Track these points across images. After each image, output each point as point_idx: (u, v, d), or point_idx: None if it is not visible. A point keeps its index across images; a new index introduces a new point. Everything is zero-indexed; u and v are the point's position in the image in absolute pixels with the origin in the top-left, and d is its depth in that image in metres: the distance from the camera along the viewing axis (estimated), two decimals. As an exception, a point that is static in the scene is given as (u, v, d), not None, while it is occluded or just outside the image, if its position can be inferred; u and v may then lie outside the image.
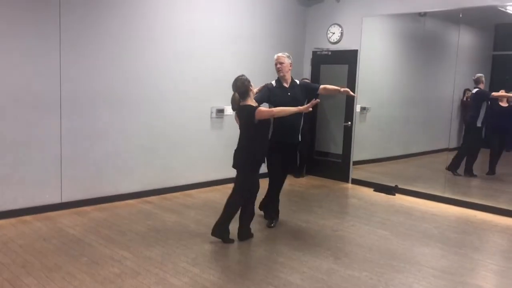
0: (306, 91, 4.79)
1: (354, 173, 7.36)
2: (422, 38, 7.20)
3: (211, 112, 6.58)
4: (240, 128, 4.39)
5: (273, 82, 4.78)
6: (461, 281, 3.70)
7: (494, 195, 6.35)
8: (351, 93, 4.84)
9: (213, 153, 6.64)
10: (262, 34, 7.04)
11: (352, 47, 7.20)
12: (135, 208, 5.43)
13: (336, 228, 4.98)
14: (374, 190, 6.87)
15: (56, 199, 5.19)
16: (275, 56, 4.76)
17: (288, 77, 4.73)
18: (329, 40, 7.50)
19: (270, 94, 4.68)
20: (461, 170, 6.79)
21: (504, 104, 6.62)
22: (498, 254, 4.41)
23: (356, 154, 7.37)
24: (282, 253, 4.15)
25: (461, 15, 6.26)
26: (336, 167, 7.55)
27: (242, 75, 4.30)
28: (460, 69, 6.96)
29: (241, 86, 4.23)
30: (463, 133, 7.07)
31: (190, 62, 6.21)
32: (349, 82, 7.22)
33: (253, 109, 4.19)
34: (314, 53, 7.67)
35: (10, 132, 4.77)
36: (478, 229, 5.16)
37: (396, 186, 6.81)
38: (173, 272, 3.66)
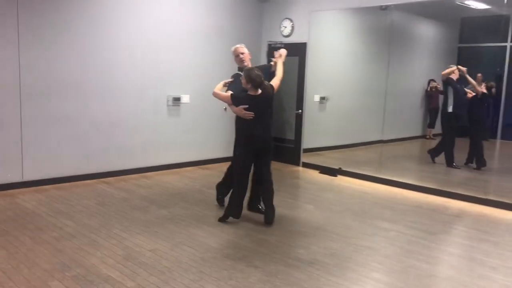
0: (265, 73, 4.87)
1: (309, 158, 7.90)
2: (384, 31, 7.29)
3: (168, 100, 7.11)
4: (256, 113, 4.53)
5: (239, 72, 4.93)
6: (353, 243, 4.27)
7: (432, 177, 6.86)
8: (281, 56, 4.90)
9: (171, 138, 7.19)
10: (220, 27, 7.59)
11: (302, 40, 7.73)
12: (91, 187, 5.99)
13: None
14: (320, 172, 7.43)
15: (17, 178, 5.75)
16: (233, 48, 5.00)
17: (250, 65, 4.93)
18: (282, 34, 8.03)
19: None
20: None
21: (476, 92, 6.61)
22: (399, 222, 4.96)
23: (315, 141, 7.90)
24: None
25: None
26: (288, 152, 8.11)
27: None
28: (426, 61, 7.40)
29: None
30: (428, 122, 7.47)
31: (147, 54, 6.75)
32: (299, 73, 7.77)
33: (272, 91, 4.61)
34: (269, 45, 8.21)
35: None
36: (396, 203, 5.73)
37: (339, 168, 7.36)
38: (105, 236, 4.23)
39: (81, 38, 6.08)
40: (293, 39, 7.89)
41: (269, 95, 4.61)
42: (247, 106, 4.53)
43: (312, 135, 7.97)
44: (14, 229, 4.33)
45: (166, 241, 4.17)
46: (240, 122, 4.70)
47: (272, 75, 4.93)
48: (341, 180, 7.03)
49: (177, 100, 7.21)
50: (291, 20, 7.89)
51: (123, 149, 6.69)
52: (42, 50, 5.76)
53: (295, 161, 8.02)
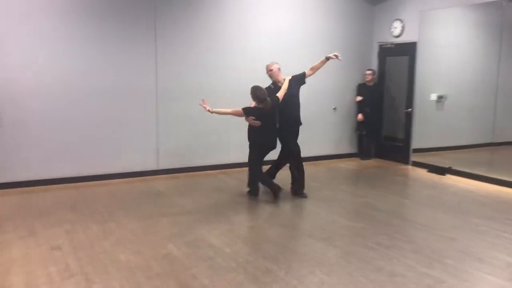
0: (298, 82, 5.73)
1: (421, 157, 7.86)
2: (497, 26, 7.01)
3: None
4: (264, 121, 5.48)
5: (271, 85, 5.74)
6: (436, 234, 4.47)
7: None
8: (337, 57, 5.56)
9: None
10: (333, 30, 8.09)
11: (412, 39, 7.83)
12: (212, 177, 6.93)
13: (364, 195, 5.91)
14: (428, 171, 7.46)
15: (153, 166, 6.93)
16: (266, 66, 5.74)
17: (280, 78, 5.71)
18: (392, 34, 8.21)
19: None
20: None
21: None
22: (494, 219, 4.93)
23: (430, 140, 7.88)
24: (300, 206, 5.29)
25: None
26: (397, 151, 8.24)
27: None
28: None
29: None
30: None
31: (263, 60, 7.52)
32: (409, 72, 7.89)
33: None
34: (380, 46, 8.44)
35: (119, 114, 6.58)
36: (499, 202, 5.62)
37: (449, 167, 7.31)
38: (215, 213, 5.04)
39: (205, 52, 7.07)
40: (403, 39, 8.02)
41: (273, 107, 5.45)
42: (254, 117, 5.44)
43: (426, 134, 7.96)
44: (145, 204, 5.38)
45: (264, 220, 4.84)
46: (250, 129, 5.60)
47: (303, 83, 5.73)
48: (449, 179, 7.01)
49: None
50: (401, 21, 8.03)
51: (238, 144, 7.52)
52: (174, 61, 6.86)
53: (404, 159, 8.11)
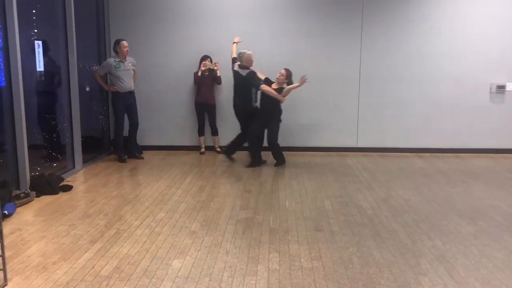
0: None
1: None
2: None
3: (490, 88, 7.58)
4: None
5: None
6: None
7: None
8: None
9: (490, 124, 7.65)
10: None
11: None
12: (406, 159, 7.41)
13: None
14: None
15: (352, 144, 7.84)
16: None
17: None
18: None
19: None
20: None
21: None
22: None
23: None
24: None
25: None
26: None
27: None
28: None
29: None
30: None
31: (468, 44, 7.49)
32: None
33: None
34: None
35: (324, 97, 7.71)
36: None
37: None
38: (381, 186, 5.70)
39: (407, 39, 7.52)
40: None
41: None
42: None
43: None
44: (329, 173, 6.39)
45: (420, 196, 5.26)
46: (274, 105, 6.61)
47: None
48: None
49: (501, 88, 7.54)
50: None
51: (438, 130, 7.70)
52: (377, 49, 7.57)
53: None
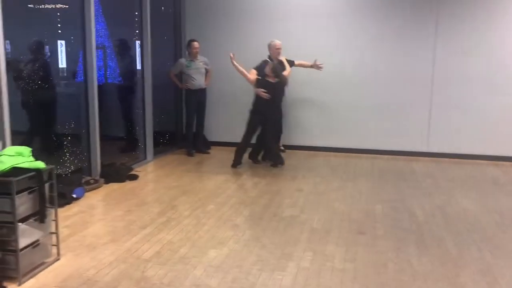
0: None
1: None
2: None
3: None
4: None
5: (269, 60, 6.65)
6: None
7: None
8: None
9: None
10: None
11: None
12: (478, 168, 6.97)
13: None
14: None
15: (423, 148, 7.51)
16: (274, 43, 6.72)
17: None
18: None
19: None
20: None
21: None
22: None
23: None
24: None
25: None
26: None
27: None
28: None
29: None
30: None
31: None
32: None
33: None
34: None
35: (392, 98, 7.47)
36: None
37: None
38: (437, 193, 5.45)
39: (486, 38, 7.04)
40: None
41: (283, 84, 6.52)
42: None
43: None
44: (389, 177, 6.20)
45: (484, 206, 4.94)
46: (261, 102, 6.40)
47: None
48: None
49: None
50: None
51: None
52: (452, 50, 7.18)
53: None
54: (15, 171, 3.10)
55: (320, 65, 7.01)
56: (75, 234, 4.04)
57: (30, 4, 5.41)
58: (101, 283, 3.19)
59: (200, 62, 7.49)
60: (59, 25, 5.55)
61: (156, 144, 7.28)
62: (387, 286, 3.20)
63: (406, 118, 7.48)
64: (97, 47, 6.13)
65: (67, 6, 5.60)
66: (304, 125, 7.84)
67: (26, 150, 3.33)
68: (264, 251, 3.75)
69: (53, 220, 3.48)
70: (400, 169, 6.70)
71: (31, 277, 3.22)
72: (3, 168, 3.08)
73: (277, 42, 6.73)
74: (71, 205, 4.84)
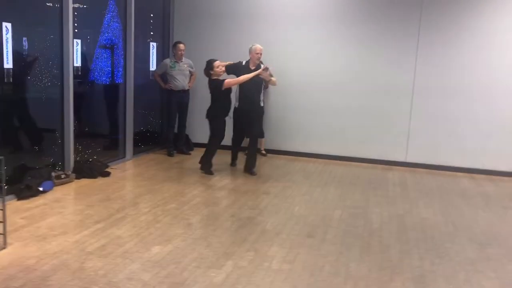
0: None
1: None
2: None
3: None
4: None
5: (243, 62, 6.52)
6: None
7: None
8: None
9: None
10: None
11: None
12: (459, 180, 6.97)
13: None
14: None
15: (402, 158, 7.53)
16: (255, 47, 6.43)
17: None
18: None
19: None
20: None
21: None
22: None
23: None
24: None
25: None
26: None
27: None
28: None
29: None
30: None
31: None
32: None
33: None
34: None
35: (373, 106, 7.50)
36: None
37: None
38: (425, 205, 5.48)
39: (467, 51, 7.06)
40: None
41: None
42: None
43: None
44: (360, 184, 6.24)
45: (444, 217, 4.96)
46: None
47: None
48: None
49: None
50: None
51: (499, 149, 7.10)
52: (434, 61, 7.20)
53: None
54: (-41, 160, 3.22)
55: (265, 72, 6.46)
56: (30, 225, 4.16)
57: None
58: (39, 271, 3.29)
59: (185, 64, 7.61)
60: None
61: (138, 143, 7.41)
62: (315, 287, 3.25)
63: (387, 127, 7.51)
64: (105, 47, 6.41)
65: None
66: (285, 130, 7.91)
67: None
68: (208, 249, 3.82)
69: (0, 210, 3.60)
70: (374, 177, 6.74)
71: (-28, 263, 3.34)
72: None
73: (258, 46, 6.55)
74: (37, 197, 4.96)
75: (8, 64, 4.92)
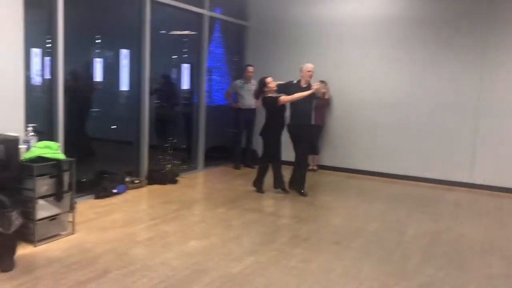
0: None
1: None
2: None
3: None
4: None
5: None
6: None
7: None
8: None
9: None
10: None
11: None
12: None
13: None
14: None
15: (466, 179, 7.36)
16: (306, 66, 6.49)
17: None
18: None
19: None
20: None
21: None
22: None
23: None
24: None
25: None
26: None
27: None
28: None
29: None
30: None
31: None
32: None
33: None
34: None
35: (437, 124, 7.48)
36: None
37: None
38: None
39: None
40: None
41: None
42: None
43: None
44: (411, 202, 6.30)
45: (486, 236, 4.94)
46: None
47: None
48: None
49: None
50: None
51: None
52: (497, 79, 7.07)
53: None
54: (40, 159, 4.10)
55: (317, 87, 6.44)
56: (98, 219, 4.98)
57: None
58: (92, 252, 4.03)
59: (253, 85, 8.24)
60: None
61: (211, 157, 8.21)
62: (318, 283, 3.58)
63: (450, 146, 7.44)
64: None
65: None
66: (344, 148, 8.16)
67: (54, 144, 4.34)
68: (238, 247, 4.31)
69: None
70: (429, 196, 6.73)
71: (45, 243, 4.17)
72: (31, 156, 4.10)
73: (309, 65, 6.52)
74: (111, 198, 5.83)
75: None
